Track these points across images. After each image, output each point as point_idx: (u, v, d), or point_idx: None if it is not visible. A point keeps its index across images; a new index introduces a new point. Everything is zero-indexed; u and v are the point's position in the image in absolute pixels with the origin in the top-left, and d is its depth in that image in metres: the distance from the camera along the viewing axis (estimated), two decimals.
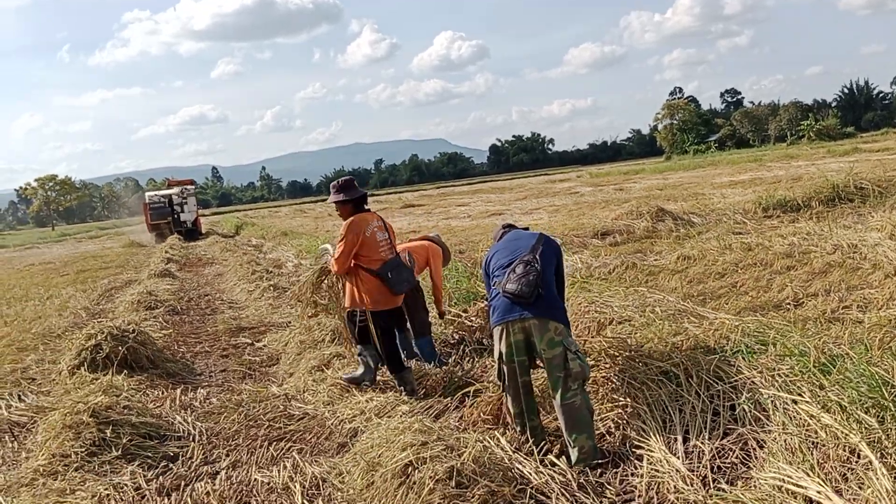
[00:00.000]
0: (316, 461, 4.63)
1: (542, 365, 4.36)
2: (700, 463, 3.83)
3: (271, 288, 12.19)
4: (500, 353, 4.48)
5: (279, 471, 4.50)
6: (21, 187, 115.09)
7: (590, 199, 26.71)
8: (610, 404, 4.60)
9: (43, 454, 4.88)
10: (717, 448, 3.91)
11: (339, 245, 5.90)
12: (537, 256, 4.39)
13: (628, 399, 4.48)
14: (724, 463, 3.83)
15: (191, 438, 5.37)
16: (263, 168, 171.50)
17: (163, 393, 6.66)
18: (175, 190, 38.21)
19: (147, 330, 8.56)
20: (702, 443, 3.96)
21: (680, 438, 4.03)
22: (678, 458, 3.90)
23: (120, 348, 7.34)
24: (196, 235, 35.57)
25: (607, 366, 4.81)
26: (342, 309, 6.28)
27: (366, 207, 6.15)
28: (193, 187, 40.44)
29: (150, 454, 5.02)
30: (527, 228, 5.00)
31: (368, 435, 4.57)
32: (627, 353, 4.77)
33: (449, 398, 5.57)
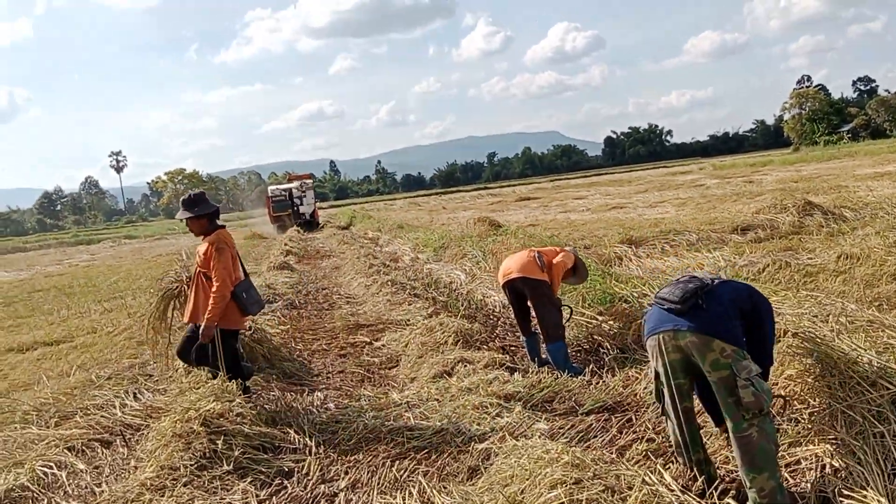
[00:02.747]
0: (445, 488, 4.05)
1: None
2: None
3: (389, 283, 11.78)
4: (656, 372, 3.79)
5: (404, 498, 3.95)
6: (152, 180, 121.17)
7: (717, 191, 25.26)
8: (809, 433, 3.82)
9: (151, 465, 4.52)
10: None
11: (217, 263, 5.47)
12: (715, 280, 3.67)
13: (830, 430, 3.69)
14: None
15: (307, 451, 4.90)
16: (378, 162, 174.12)
17: (278, 395, 6.28)
18: (295, 184, 39.42)
19: (264, 326, 8.28)
20: None
21: None
22: None
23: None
24: (314, 227, 36.37)
25: (798, 387, 4.02)
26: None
27: (219, 223, 5.79)
28: (312, 181, 41.76)
29: (263, 468, 4.59)
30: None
31: (504, 460, 3.96)
32: (820, 371, 3.97)
33: (592, 417, 4.90)
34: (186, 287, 6.15)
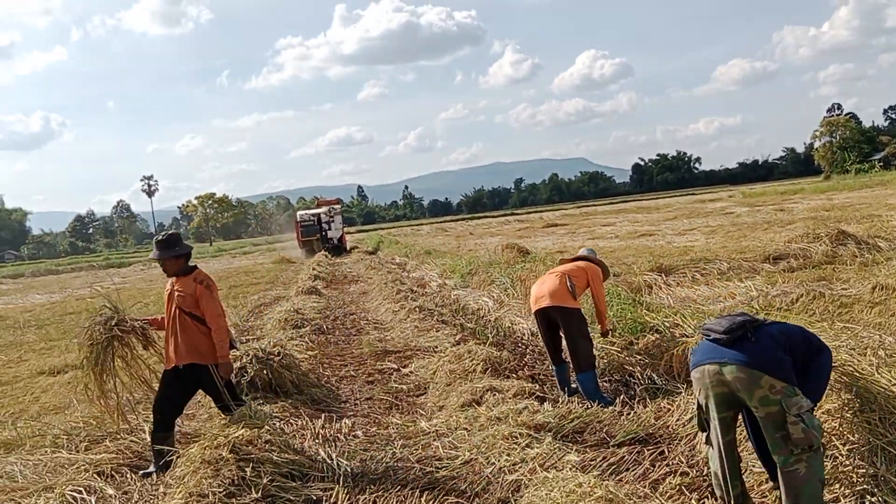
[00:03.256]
0: None
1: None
2: None
3: (417, 309, 11.77)
4: (699, 405, 3.74)
5: None
6: (183, 205, 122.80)
7: (748, 219, 25.01)
8: (848, 470, 3.73)
9: (180, 492, 4.50)
10: None
11: (209, 301, 5.45)
12: (767, 319, 3.63)
13: (870, 467, 3.59)
14: None
15: (335, 479, 4.87)
16: (406, 187, 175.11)
17: (306, 423, 6.26)
18: (323, 209, 39.72)
19: (293, 351, 8.28)
20: None
21: None
22: None
23: (265, 372, 7.05)
24: (342, 252, 36.56)
25: (837, 422, 3.93)
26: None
27: (191, 264, 5.72)
28: (340, 206, 42.10)
29: (291, 497, 4.56)
30: None
31: (535, 493, 3.92)
32: (859, 407, 3.88)
33: (623, 450, 4.82)
34: (134, 331, 5.85)
